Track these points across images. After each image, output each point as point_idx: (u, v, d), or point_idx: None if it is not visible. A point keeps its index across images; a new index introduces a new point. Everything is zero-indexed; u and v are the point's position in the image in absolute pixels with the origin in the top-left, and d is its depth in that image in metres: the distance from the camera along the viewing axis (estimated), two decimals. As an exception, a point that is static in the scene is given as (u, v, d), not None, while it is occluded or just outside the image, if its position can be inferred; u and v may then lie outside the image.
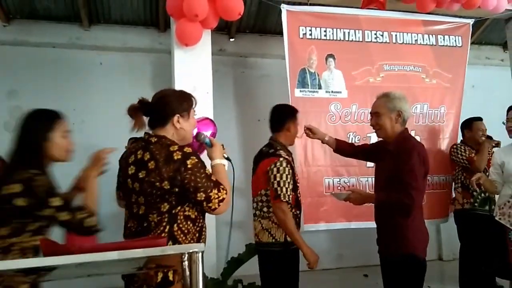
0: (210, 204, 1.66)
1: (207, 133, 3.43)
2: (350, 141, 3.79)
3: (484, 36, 5.42)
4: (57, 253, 0.98)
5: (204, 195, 1.65)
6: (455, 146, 3.76)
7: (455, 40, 4.22)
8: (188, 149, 1.69)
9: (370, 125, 2.37)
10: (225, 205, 1.70)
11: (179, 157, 1.65)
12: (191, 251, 1.04)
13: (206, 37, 3.60)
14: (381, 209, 2.25)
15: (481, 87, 4.57)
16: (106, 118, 4.67)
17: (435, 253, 5.39)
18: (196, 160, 1.68)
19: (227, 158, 1.87)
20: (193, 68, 3.58)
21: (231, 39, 5.02)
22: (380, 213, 2.26)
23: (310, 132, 2.73)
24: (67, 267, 1.05)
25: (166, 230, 1.63)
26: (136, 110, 1.77)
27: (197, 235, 1.71)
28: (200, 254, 1.04)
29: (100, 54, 4.79)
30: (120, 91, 4.73)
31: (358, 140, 3.83)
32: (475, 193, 3.52)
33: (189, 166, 1.64)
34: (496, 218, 2.88)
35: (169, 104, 1.77)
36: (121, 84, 4.75)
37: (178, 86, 3.57)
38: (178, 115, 1.75)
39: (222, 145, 1.91)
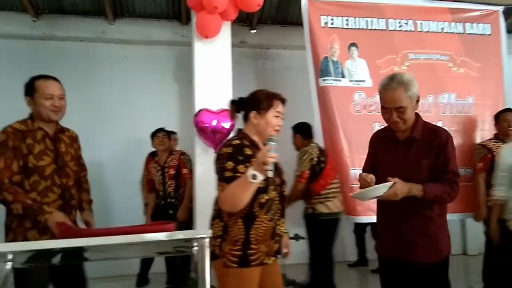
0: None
1: (226, 124, 3.47)
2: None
3: (516, 24, 5.19)
4: (71, 236, 1.02)
5: (216, 183, 1.77)
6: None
7: (484, 28, 4.07)
8: (236, 141, 1.80)
9: (389, 122, 1.96)
10: (220, 202, 1.73)
11: (222, 145, 1.83)
12: (198, 236, 1.05)
13: (226, 29, 3.61)
14: (413, 206, 1.88)
15: (511, 77, 4.39)
16: (131, 110, 4.79)
17: (460, 248, 5.28)
18: (228, 151, 1.75)
19: (267, 178, 1.67)
20: (213, 60, 3.60)
21: (252, 31, 5.01)
22: (411, 211, 1.90)
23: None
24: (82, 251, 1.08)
25: (216, 208, 1.82)
26: (231, 105, 1.97)
27: (240, 220, 1.74)
28: (207, 240, 1.06)
29: (124, 48, 4.89)
30: (144, 84, 4.85)
31: (383, 131, 3.76)
32: None
33: (221, 152, 1.78)
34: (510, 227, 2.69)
35: (249, 101, 1.91)
36: (145, 76, 4.86)
37: (198, 78, 3.61)
38: (255, 111, 1.85)
39: (276, 164, 1.77)
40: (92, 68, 4.76)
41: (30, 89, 2.12)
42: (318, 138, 3.69)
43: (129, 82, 4.82)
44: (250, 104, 1.89)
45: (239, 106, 1.94)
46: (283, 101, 1.91)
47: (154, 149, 4.25)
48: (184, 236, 1.09)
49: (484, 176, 3.43)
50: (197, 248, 1.08)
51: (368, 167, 2.17)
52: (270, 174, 1.60)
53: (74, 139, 2.35)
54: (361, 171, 3.33)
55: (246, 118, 1.91)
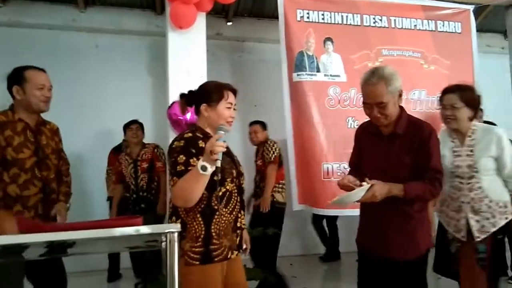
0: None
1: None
2: (349, 126, 3.78)
3: (485, 23, 5.34)
4: (32, 230, 0.98)
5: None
6: None
7: (455, 27, 4.17)
8: (188, 135, 1.73)
9: (372, 116, 1.93)
10: (172, 197, 1.67)
11: (174, 139, 1.75)
12: (167, 231, 1.03)
13: (201, 20, 3.56)
14: (393, 202, 1.83)
15: (481, 75, 4.54)
16: (103, 101, 4.66)
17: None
18: (180, 144, 1.69)
19: (216, 168, 1.57)
20: (188, 51, 3.55)
21: (229, 23, 4.96)
22: (391, 208, 1.86)
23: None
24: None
25: (171, 205, 1.75)
26: (180, 98, 1.93)
27: (198, 215, 1.68)
28: (176, 234, 1.04)
29: (96, 37, 4.75)
30: (116, 74, 4.73)
31: (356, 125, 3.79)
32: None
33: (173, 146, 1.72)
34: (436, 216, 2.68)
35: (199, 94, 1.84)
36: (117, 67, 4.74)
37: (172, 70, 3.55)
38: (205, 104, 1.79)
39: (232, 156, 1.76)
40: (61, 58, 4.59)
41: (19, 78, 2.09)
42: (288, 133, 3.70)
43: (101, 73, 4.69)
44: (200, 96, 1.82)
45: (189, 99, 1.87)
46: (234, 91, 1.86)
47: (117, 144, 4.20)
48: (152, 230, 1.07)
49: None
50: (165, 243, 1.05)
51: (353, 161, 2.15)
52: (218, 163, 1.55)
53: (55, 131, 2.31)
54: (337, 165, 3.33)
55: (197, 111, 1.84)
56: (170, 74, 3.54)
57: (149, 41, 4.85)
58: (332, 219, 4.83)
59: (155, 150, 3.92)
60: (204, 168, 1.53)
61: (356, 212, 2.17)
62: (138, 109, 4.50)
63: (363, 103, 1.94)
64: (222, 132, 1.59)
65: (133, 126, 3.94)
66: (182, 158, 1.65)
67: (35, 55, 4.51)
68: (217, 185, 1.66)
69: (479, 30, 5.37)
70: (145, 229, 1.05)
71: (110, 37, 4.76)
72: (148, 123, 4.37)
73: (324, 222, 4.89)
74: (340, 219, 4.79)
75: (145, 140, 4.08)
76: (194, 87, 1.93)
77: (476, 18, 4.34)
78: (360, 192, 1.76)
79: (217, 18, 4.85)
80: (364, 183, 1.79)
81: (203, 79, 3.55)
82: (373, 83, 1.85)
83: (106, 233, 1.06)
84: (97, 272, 4.19)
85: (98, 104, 4.64)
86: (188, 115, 3.43)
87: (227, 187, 1.75)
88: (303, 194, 3.67)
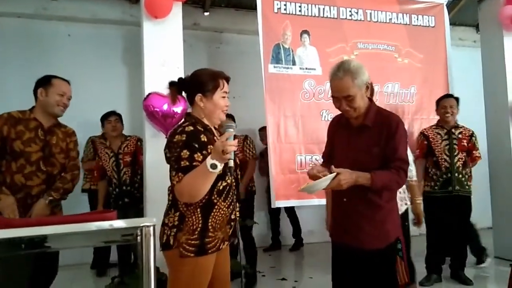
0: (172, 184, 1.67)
1: (177, 109, 3.39)
2: (323, 119, 3.82)
3: (458, 17, 5.47)
4: (2, 226, 0.95)
5: (170, 173, 1.68)
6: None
7: (428, 20, 4.25)
8: (189, 128, 1.68)
9: (341, 109, 1.95)
10: (177, 193, 1.64)
11: (174, 132, 1.70)
12: (142, 225, 1.02)
13: (177, 10, 3.49)
14: (362, 192, 1.86)
15: (453, 68, 4.65)
16: (76, 91, 4.51)
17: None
18: (183, 138, 1.64)
19: (229, 168, 1.59)
20: (163, 41, 3.48)
21: (206, 13, 4.91)
22: (359, 197, 1.90)
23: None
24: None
25: (170, 198, 1.73)
26: (172, 86, 1.82)
27: (198, 209, 1.67)
28: (152, 228, 1.03)
29: (68, 26, 4.62)
30: (90, 65, 4.62)
31: (330, 118, 3.84)
32: (434, 176, 3.54)
33: (174, 140, 1.66)
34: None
35: (193, 83, 1.77)
36: (90, 57, 4.63)
37: (147, 60, 3.48)
38: (200, 94, 1.74)
39: (236, 153, 1.67)
40: (32, 47, 4.46)
41: (46, 82, 2.38)
42: (268, 127, 3.69)
43: (73, 63, 4.55)
44: (194, 86, 1.75)
45: (180, 87, 1.81)
46: (227, 79, 1.81)
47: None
48: (127, 224, 1.06)
49: (422, 162, 3.62)
50: (140, 237, 1.04)
51: (326, 153, 2.18)
52: (231, 163, 1.55)
53: (69, 134, 2.52)
54: (310, 157, 3.32)
55: (191, 102, 1.78)
56: (146, 65, 3.48)
57: (123, 31, 4.75)
58: (291, 209, 4.93)
59: (138, 143, 3.76)
60: (214, 167, 1.52)
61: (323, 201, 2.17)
62: (113, 100, 4.40)
63: (332, 96, 1.97)
64: (231, 130, 1.57)
65: (112, 119, 3.76)
66: (186, 153, 1.62)
67: (5, 44, 4.37)
68: (219, 179, 1.66)
69: (452, 23, 5.50)
70: (119, 223, 1.04)
71: (83, 26, 4.65)
72: (124, 114, 4.27)
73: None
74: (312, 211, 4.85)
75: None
76: (170, 78, 1.89)
77: (449, 12, 4.44)
78: (325, 181, 1.79)
79: (193, 7, 4.79)
80: (329, 173, 1.81)
81: (180, 70, 3.51)
82: (339, 77, 1.87)
83: (80, 227, 1.05)
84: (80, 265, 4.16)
85: (72, 96, 4.52)
86: (165, 106, 3.38)
87: (228, 181, 1.73)
88: (280, 190, 3.64)
